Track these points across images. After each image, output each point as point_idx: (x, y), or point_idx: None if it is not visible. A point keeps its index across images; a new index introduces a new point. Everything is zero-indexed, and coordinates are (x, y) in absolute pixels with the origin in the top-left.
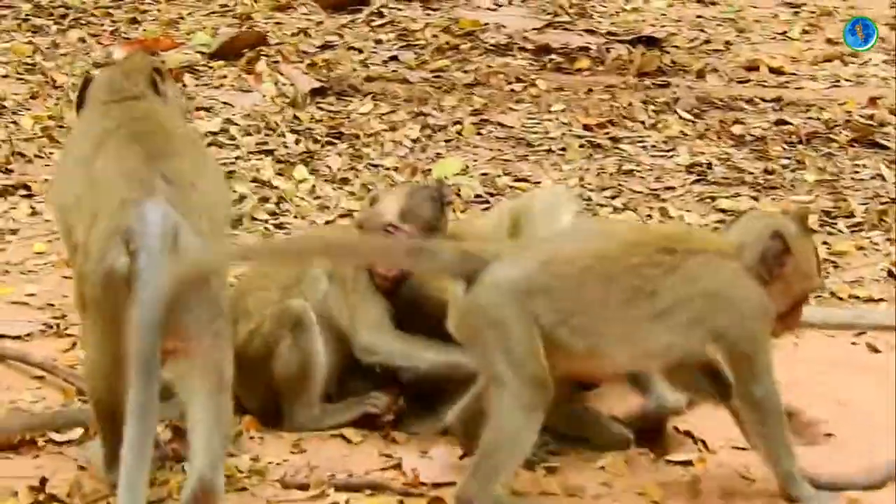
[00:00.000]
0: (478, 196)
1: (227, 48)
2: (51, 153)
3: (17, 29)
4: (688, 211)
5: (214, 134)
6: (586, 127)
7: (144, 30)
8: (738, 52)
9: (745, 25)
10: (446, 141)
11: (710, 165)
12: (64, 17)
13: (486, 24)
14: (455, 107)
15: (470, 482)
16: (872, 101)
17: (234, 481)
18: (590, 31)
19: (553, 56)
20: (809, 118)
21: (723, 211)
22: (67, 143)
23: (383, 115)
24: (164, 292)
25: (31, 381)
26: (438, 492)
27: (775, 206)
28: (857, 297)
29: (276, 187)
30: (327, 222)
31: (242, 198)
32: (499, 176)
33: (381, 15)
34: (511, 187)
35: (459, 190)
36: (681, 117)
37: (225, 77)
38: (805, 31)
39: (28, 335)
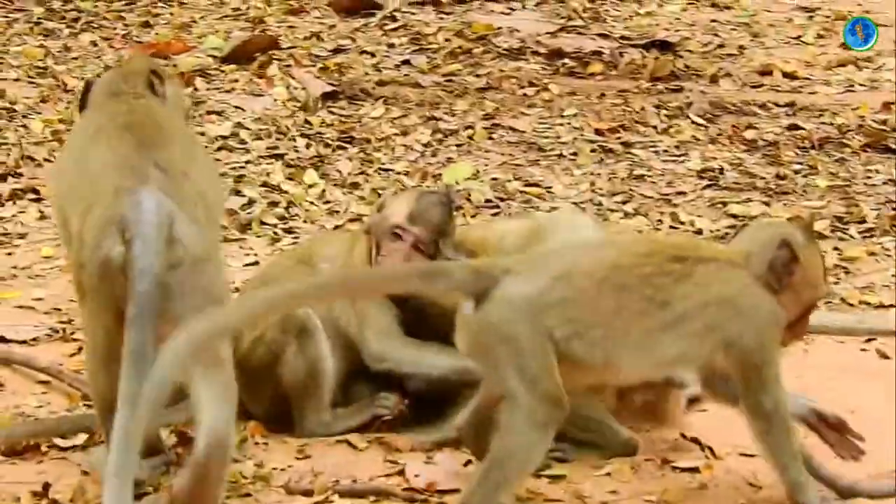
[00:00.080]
0: (488, 201)
1: (239, 52)
2: None
3: (30, 32)
4: (699, 216)
5: (225, 138)
6: (598, 132)
7: (157, 33)
8: (751, 57)
9: (760, 30)
10: (457, 145)
11: (721, 170)
12: (76, 20)
13: (499, 28)
14: (467, 111)
15: (475, 492)
16: (886, 105)
17: (238, 487)
18: (603, 36)
19: (566, 60)
20: (822, 123)
21: (734, 216)
22: (66, 141)
23: (394, 119)
24: (159, 281)
25: (36, 386)
26: (443, 498)
27: (787, 211)
28: (868, 304)
29: (285, 192)
30: (336, 227)
31: (251, 202)
32: (509, 181)
33: (394, 19)
34: (521, 192)
35: (470, 195)
36: (693, 122)
37: (236, 81)
38: (819, 36)
39: (34, 340)
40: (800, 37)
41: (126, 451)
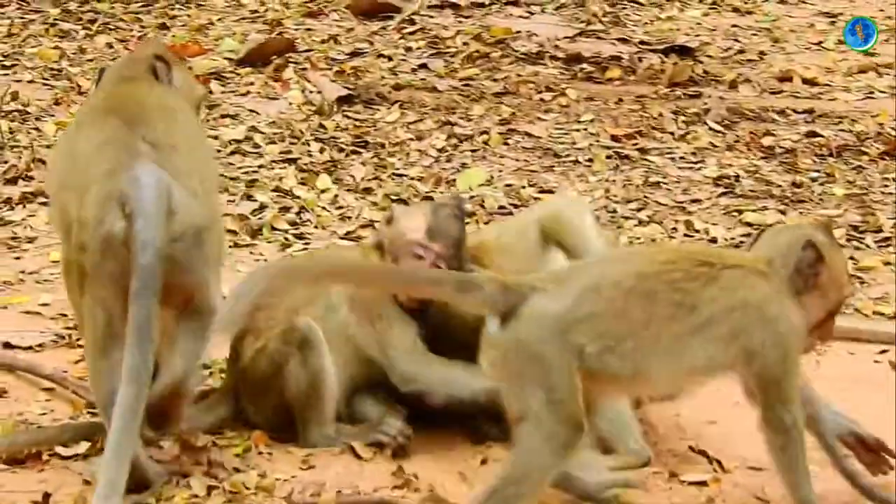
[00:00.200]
0: (501, 207)
1: (255, 55)
2: None
3: (45, 34)
4: (713, 224)
5: (238, 142)
6: (614, 138)
7: (174, 35)
8: (771, 63)
9: (781, 35)
10: (472, 151)
11: (737, 178)
12: (93, 21)
13: (517, 31)
14: (483, 116)
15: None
16: None
17: (241, 498)
18: (622, 40)
19: (584, 65)
20: (841, 130)
21: (749, 224)
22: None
23: (410, 123)
24: (162, 254)
25: (40, 393)
26: None
27: (803, 220)
28: (882, 314)
29: (297, 197)
30: (348, 233)
31: (263, 207)
32: (523, 187)
33: (412, 22)
34: (535, 199)
35: (483, 201)
36: (710, 129)
37: (252, 84)
38: (840, 42)
39: (40, 346)
40: (821, 42)
41: (126, 431)
